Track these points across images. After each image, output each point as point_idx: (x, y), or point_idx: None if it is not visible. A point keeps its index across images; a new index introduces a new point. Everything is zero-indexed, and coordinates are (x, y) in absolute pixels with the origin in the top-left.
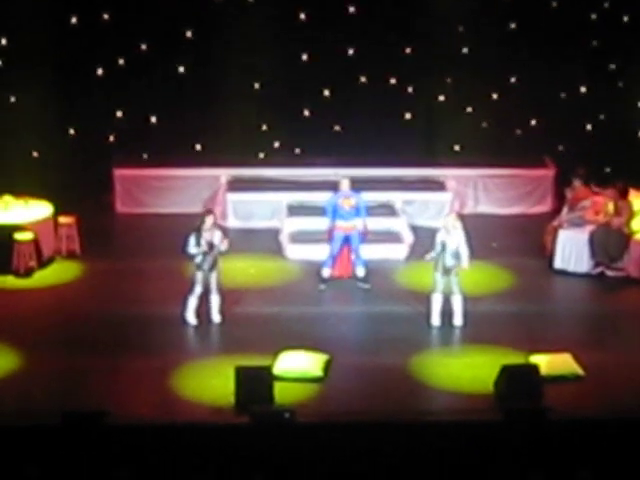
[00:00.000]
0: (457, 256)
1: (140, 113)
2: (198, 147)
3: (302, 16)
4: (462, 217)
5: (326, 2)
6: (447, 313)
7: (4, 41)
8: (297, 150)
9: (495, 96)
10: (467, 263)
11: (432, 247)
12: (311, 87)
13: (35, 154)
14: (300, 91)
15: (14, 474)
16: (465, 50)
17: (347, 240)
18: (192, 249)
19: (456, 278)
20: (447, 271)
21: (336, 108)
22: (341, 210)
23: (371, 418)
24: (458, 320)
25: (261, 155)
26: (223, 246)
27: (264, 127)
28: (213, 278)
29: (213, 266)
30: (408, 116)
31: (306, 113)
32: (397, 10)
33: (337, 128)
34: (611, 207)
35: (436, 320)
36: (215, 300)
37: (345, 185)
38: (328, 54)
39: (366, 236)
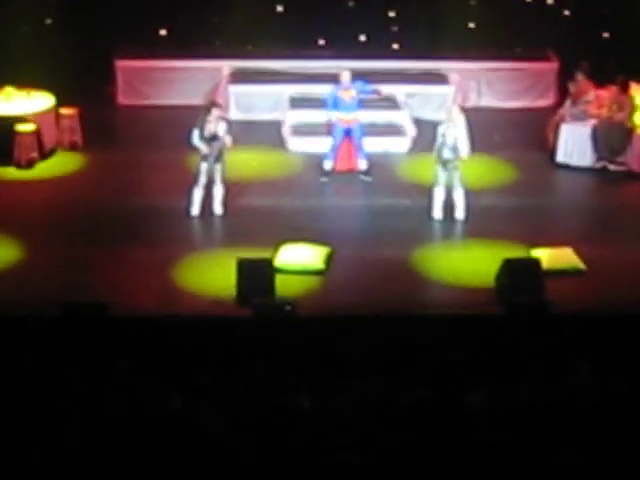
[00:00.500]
0: (455, 149)
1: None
2: (200, 39)
3: None
4: (465, 110)
5: None
6: (449, 206)
7: None
8: (303, 41)
9: None
10: (466, 154)
11: (434, 140)
12: None
13: (37, 45)
14: None
15: (14, 364)
16: None
17: (348, 133)
18: (196, 140)
19: (457, 172)
20: (445, 164)
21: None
22: (342, 102)
23: (372, 311)
24: (460, 213)
25: (263, 47)
26: (227, 140)
27: (266, 19)
28: (217, 170)
29: (218, 158)
30: (411, 7)
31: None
32: None
33: (339, 20)
34: (614, 106)
35: (438, 213)
36: (218, 192)
37: (345, 77)
38: None
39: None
